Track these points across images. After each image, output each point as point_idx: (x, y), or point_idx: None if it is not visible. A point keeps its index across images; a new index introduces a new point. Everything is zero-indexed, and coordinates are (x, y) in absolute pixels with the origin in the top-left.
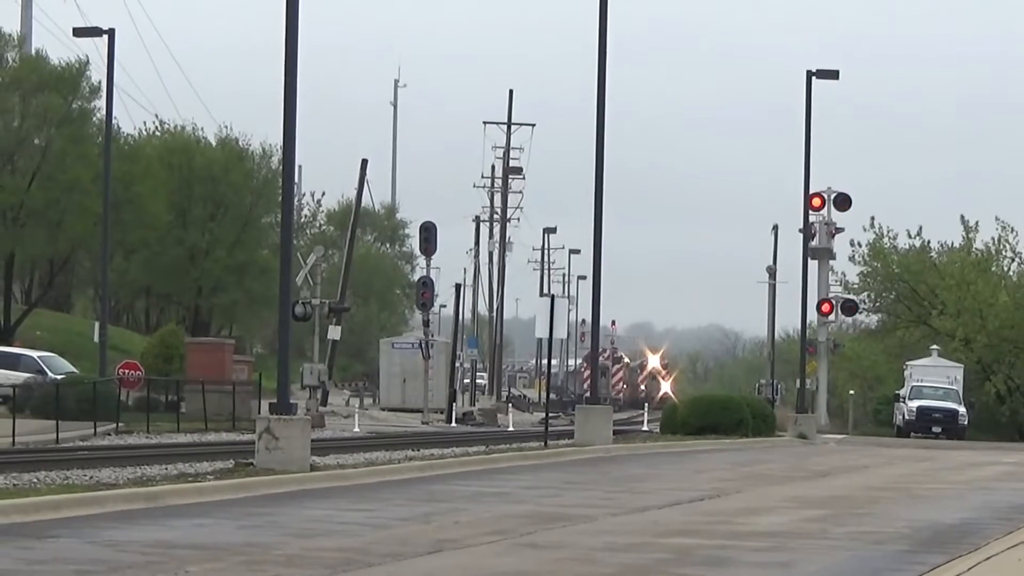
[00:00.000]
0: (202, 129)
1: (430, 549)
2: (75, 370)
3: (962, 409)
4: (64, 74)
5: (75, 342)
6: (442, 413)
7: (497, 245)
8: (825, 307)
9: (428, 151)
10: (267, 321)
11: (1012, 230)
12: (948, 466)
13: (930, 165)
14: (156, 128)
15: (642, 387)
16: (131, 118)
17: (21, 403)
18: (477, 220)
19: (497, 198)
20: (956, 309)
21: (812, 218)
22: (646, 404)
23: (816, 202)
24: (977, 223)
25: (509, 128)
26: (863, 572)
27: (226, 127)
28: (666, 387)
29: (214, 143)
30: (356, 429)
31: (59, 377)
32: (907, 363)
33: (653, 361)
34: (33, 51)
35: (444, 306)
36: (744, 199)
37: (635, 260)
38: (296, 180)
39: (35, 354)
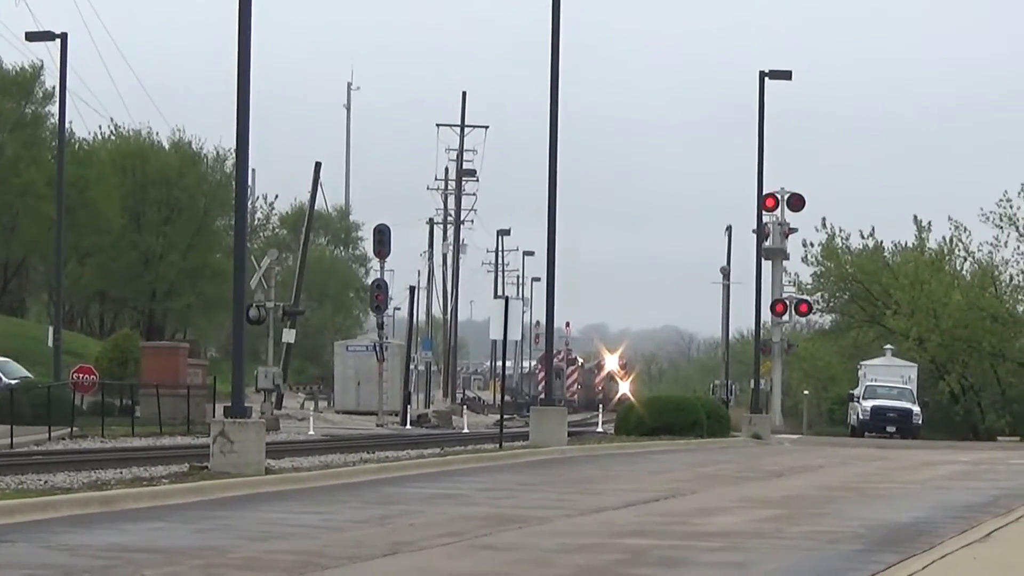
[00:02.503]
0: (156, 133)
1: (385, 551)
2: (29, 375)
3: (916, 408)
4: (17, 79)
5: (29, 347)
6: (397, 415)
7: (451, 247)
8: (779, 307)
9: (382, 153)
10: (221, 325)
11: (965, 230)
12: (902, 465)
13: (882, 166)
14: (111, 132)
15: (599, 388)
16: (84, 122)
17: None
18: (431, 222)
19: (451, 200)
20: (910, 309)
21: (765, 219)
22: (601, 406)
23: (769, 203)
24: (930, 223)
25: (462, 130)
26: (818, 572)
27: (179, 130)
28: (624, 388)
29: (168, 147)
30: (311, 432)
31: (13, 382)
32: (861, 363)
33: (611, 362)
34: None
35: (398, 308)
36: (698, 200)
37: (589, 261)
38: (249, 183)
39: None
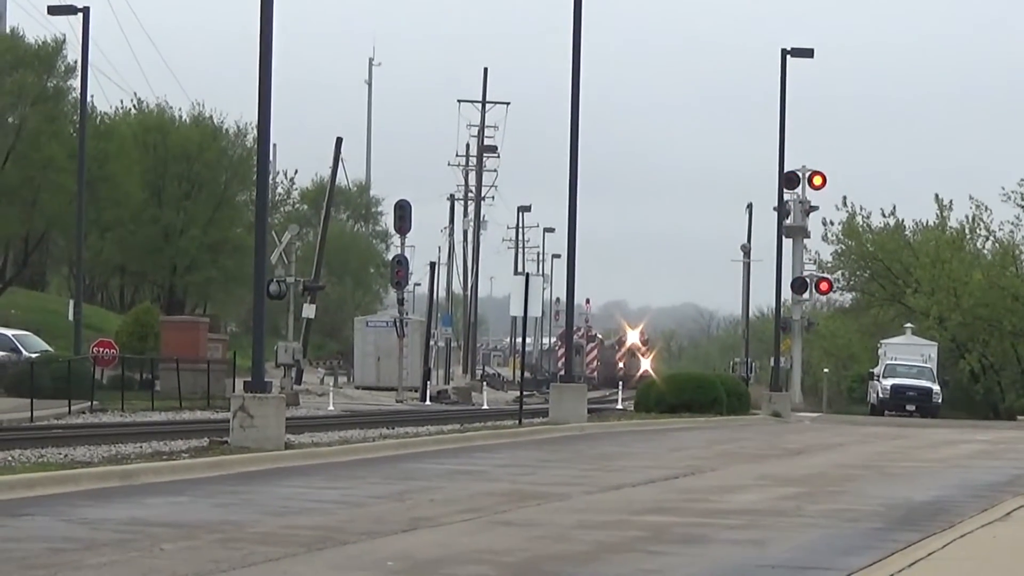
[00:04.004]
0: (179, 109)
1: (405, 527)
2: (50, 348)
3: (936, 387)
4: (39, 52)
5: (50, 320)
6: (416, 391)
7: (472, 223)
8: (800, 286)
9: (403, 129)
10: (241, 299)
11: (986, 209)
12: (922, 444)
13: (903, 145)
14: (133, 106)
15: (620, 364)
16: (106, 97)
17: None
18: (452, 198)
19: (472, 177)
20: (930, 287)
21: (787, 197)
22: (621, 383)
23: (791, 181)
24: (951, 202)
25: (483, 107)
26: (837, 550)
27: (200, 105)
28: (646, 364)
29: (188, 121)
30: (331, 407)
31: (34, 355)
32: (881, 341)
33: (632, 337)
34: (8, 29)
35: (419, 284)
36: (719, 177)
37: (610, 238)
38: (270, 158)
39: (9, 332)
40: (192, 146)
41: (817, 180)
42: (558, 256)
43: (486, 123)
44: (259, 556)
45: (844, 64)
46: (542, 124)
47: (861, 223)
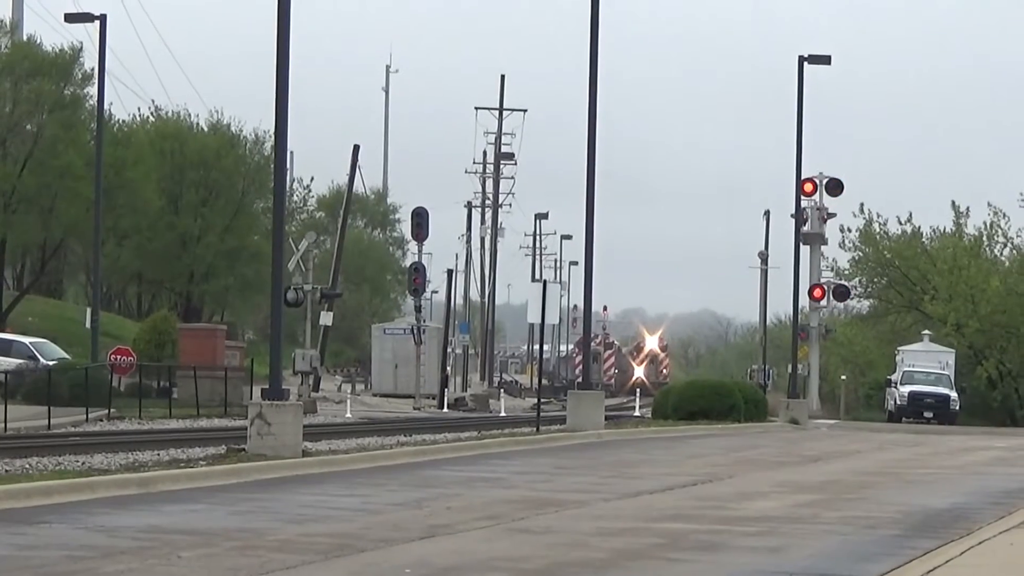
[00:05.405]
0: (196, 116)
1: (422, 534)
2: (67, 356)
3: (953, 394)
4: (56, 60)
5: (67, 328)
6: (434, 399)
7: (489, 231)
8: (817, 292)
9: (420, 137)
10: (259, 307)
11: (1004, 215)
12: (940, 451)
13: (920, 151)
14: (150, 114)
15: (637, 371)
16: (123, 104)
17: (13, 389)
18: (469, 206)
19: (489, 184)
20: (948, 294)
21: (804, 203)
22: (638, 390)
23: (808, 187)
24: (968, 209)
25: (501, 114)
26: (855, 557)
27: (218, 112)
28: (664, 371)
29: (206, 129)
30: (348, 415)
31: (51, 363)
32: (899, 348)
33: (651, 343)
34: (25, 37)
35: (436, 292)
36: (736, 184)
37: (627, 245)
38: (288, 166)
39: (27, 340)
40: (210, 153)
41: (834, 187)
42: (575, 263)
43: (503, 130)
44: (276, 563)
45: (863, 72)
46: (559, 131)
47: (878, 230)
